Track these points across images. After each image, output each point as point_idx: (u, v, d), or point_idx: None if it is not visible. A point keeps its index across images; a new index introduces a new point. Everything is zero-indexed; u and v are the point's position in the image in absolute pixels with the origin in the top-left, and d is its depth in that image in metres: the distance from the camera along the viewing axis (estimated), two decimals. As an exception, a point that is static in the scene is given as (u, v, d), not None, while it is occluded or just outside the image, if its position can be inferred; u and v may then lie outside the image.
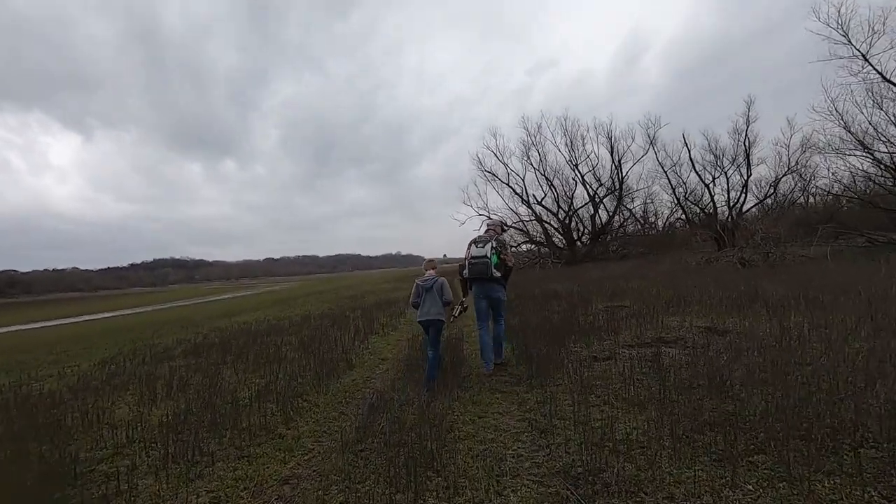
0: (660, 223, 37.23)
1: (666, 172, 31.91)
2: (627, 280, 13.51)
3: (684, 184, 32.41)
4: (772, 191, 29.10)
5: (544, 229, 33.41)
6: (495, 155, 33.18)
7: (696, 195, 32.28)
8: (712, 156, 30.80)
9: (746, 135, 28.80)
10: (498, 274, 4.92)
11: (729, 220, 30.36)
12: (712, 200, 30.30)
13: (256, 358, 6.79)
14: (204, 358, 7.43)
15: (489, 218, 34.26)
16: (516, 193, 33.17)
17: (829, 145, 20.52)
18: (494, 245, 4.94)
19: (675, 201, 32.27)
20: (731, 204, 30.14)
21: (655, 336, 5.58)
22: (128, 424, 4.09)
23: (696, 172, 30.24)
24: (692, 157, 30.08)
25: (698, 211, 32.66)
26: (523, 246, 36.62)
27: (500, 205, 35.08)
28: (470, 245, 5.02)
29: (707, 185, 30.10)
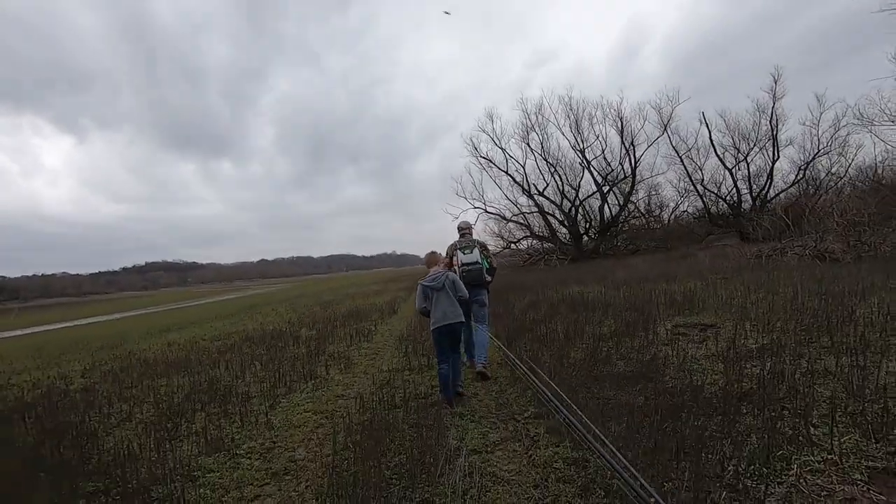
0: (665, 215, 33.96)
1: (681, 158, 28.63)
2: (669, 280, 10.27)
3: (701, 170, 29.17)
4: (801, 175, 25.98)
5: (548, 222, 30.08)
6: (492, 139, 29.74)
7: (715, 182, 29.09)
8: (731, 138, 27.61)
9: (773, 113, 25.67)
10: (489, 279, 4.91)
11: (753, 208, 27.25)
12: (735, 187, 27.10)
13: (55, 449, 3.49)
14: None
15: (485, 211, 30.98)
16: (516, 182, 29.79)
17: (886, 113, 17.43)
18: (480, 249, 4.88)
19: (693, 189, 28.94)
20: (756, 192, 26.99)
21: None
22: None
23: (718, 156, 27.00)
24: (712, 138, 26.81)
25: (715, 199, 29.51)
26: (524, 241, 33.29)
27: (498, 195, 31.58)
28: (455, 251, 4.87)
29: (730, 170, 26.88)
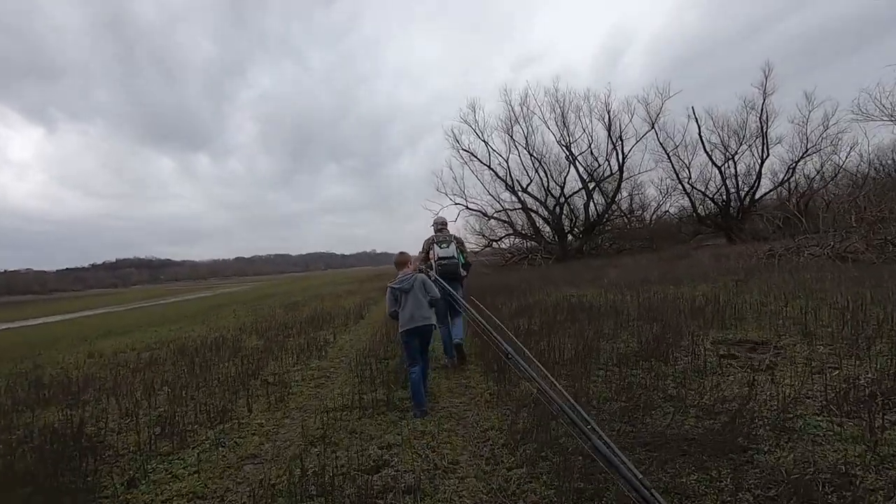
0: (647, 215, 32.90)
1: (668, 155, 27.65)
2: (676, 283, 9.06)
3: (688, 168, 28.24)
4: (790, 173, 25.32)
5: (531, 220, 28.82)
6: (475, 131, 28.23)
7: (702, 181, 28.20)
8: (719, 136, 26.71)
9: (763, 108, 24.88)
10: (464, 273, 4.96)
11: (741, 208, 26.49)
12: (724, 185, 26.25)
13: None
14: None
15: (466, 207, 29.53)
16: (498, 177, 28.36)
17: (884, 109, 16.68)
18: (456, 244, 4.93)
19: (679, 188, 28.03)
20: (746, 191, 26.20)
21: None
22: None
23: (707, 153, 26.10)
24: (702, 134, 25.88)
25: (703, 198, 28.66)
26: (506, 240, 31.93)
27: (480, 191, 29.80)
28: (431, 245, 4.88)
29: (719, 167, 26.01)
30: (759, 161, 25.57)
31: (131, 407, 4.27)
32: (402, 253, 4.17)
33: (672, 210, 31.63)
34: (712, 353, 3.99)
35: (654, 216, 32.12)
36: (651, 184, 30.66)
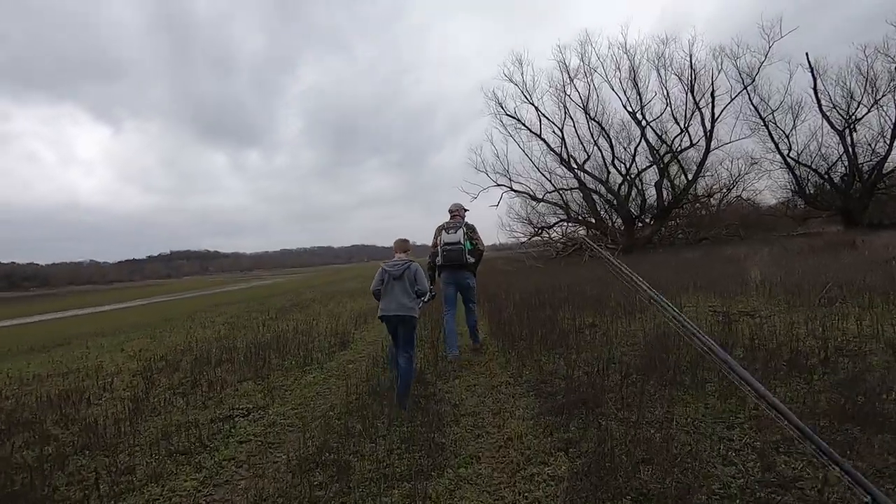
0: (713, 199, 26.21)
1: (764, 121, 21.98)
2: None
3: (787, 137, 22.36)
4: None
5: (591, 202, 23.96)
6: (522, 92, 23.42)
7: (809, 153, 22.29)
8: (829, 96, 20.67)
9: (902, 56, 18.92)
10: (472, 260, 4.89)
11: (863, 185, 20.66)
12: (847, 156, 20.44)
13: None
14: None
15: (510, 189, 24.97)
16: (551, 149, 23.56)
17: None
18: (465, 231, 4.86)
19: (780, 160, 22.29)
20: (875, 162, 20.30)
21: None
22: None
23: (824, 114, 20.34)
24: (818, 91, 20.11)
25: (808, 174, 22.74)
26: (557, 228, 26.67)
27: (527, 167, 24.27)
28: (440, 231, 4.92)
29: (840, 132, 20.20)
30: (894, 123, 19.64)
31: None
32: (402, 240, 4.12)
33: (744, 194, 25.38)
34: None
35: (725, 200, 25.88)
36: (719, 164, 24.46)
